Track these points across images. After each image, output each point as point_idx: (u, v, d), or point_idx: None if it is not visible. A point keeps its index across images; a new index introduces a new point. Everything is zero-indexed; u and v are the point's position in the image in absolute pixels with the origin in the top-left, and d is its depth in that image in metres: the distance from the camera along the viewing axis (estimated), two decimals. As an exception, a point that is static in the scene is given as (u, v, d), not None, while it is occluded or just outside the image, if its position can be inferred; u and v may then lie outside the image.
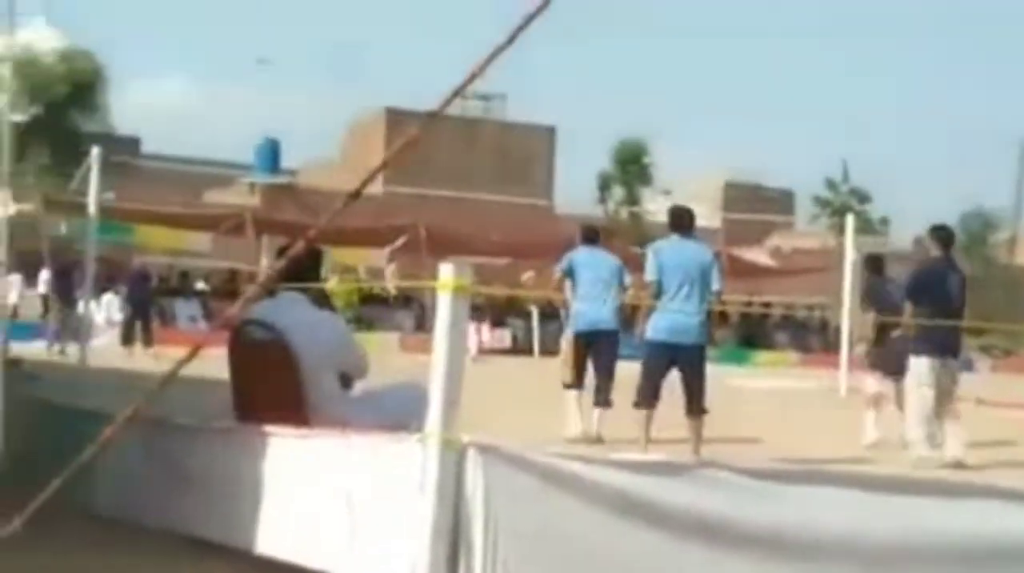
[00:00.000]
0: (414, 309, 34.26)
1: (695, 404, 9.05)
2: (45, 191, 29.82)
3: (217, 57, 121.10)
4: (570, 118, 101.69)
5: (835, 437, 11.42)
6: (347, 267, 29.28)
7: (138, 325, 23.88)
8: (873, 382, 11.80)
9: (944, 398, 9.90)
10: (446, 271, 4.12)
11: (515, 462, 4.14)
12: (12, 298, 28.59)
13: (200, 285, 34.91)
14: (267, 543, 4.80)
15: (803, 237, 50.57)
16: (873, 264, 12.48)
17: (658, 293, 9.10)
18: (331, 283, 19.72)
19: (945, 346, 9.92)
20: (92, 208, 17.87)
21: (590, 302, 10.54)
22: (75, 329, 21.01)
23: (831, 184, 55.06)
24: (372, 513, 4.33)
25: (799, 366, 32.55)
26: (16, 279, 28.38)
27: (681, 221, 9.41)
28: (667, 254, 9.21)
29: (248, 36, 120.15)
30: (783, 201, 58.36)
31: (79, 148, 32.34)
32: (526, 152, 48.22)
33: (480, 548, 4.04)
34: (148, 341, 22.98)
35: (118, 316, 27.85)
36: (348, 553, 4.40)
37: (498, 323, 32.90)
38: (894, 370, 11.51)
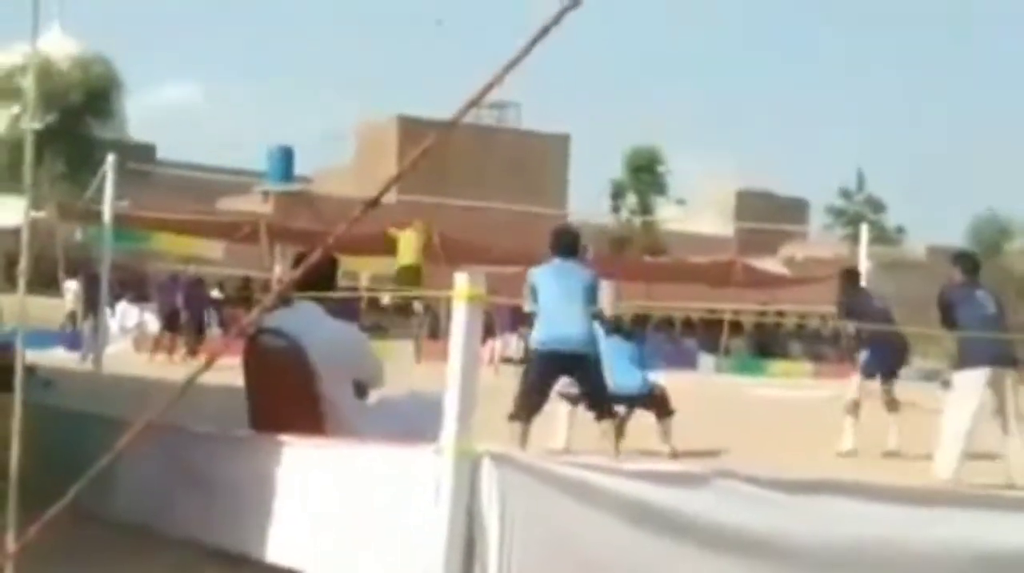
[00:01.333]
0: (428, 318, 34.27)
1: (600, 409, 8.61)
2: (59, 199, 29.87)
3: (231, 63, 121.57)
4: (584, 126, 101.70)
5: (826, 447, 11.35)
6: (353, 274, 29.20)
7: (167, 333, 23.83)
8: (854, 388, 11.95)
9: (1004, 412, 9.29)
10: (461, 281, 4.12)
11: (530, 472, 4.14)
12: (69, 305, 28.32)
13: (215, 293, 34.97)
14: (281, 552, 4.79)
15: (817, 246, 50.46)
16: (849, 278, 12.74)
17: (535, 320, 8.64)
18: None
19: (997, 355, 9.32)
20: (107, 216, 17.95)
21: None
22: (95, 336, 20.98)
23: (845, 193, 55.05)
24: (387, 523, 4.33)
25: (813, 377, 32.48)
26: (72, 285, 28.02)
27: (559, 243, 8.75)
28: (541, 277, 8.61)
29: (261, 42, 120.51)
30: (796, 210, 58.32)
31: (94, 156, 32.50)
32: (540, 161, 48.25)
33: (495, 558, 4.03)
34: (193, 349, 22.82)
35: (131, 323, 27.85)
36: (363, 563, 4.40)
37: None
38: (885, 372, 11.97)
